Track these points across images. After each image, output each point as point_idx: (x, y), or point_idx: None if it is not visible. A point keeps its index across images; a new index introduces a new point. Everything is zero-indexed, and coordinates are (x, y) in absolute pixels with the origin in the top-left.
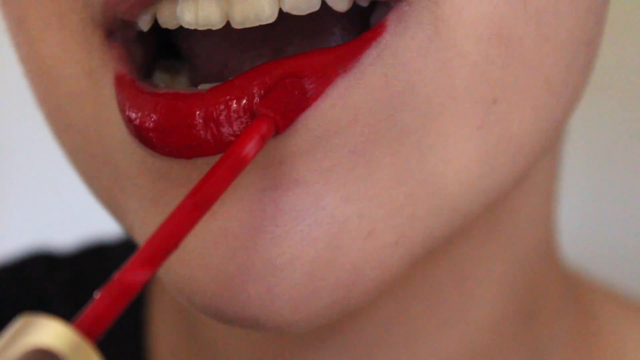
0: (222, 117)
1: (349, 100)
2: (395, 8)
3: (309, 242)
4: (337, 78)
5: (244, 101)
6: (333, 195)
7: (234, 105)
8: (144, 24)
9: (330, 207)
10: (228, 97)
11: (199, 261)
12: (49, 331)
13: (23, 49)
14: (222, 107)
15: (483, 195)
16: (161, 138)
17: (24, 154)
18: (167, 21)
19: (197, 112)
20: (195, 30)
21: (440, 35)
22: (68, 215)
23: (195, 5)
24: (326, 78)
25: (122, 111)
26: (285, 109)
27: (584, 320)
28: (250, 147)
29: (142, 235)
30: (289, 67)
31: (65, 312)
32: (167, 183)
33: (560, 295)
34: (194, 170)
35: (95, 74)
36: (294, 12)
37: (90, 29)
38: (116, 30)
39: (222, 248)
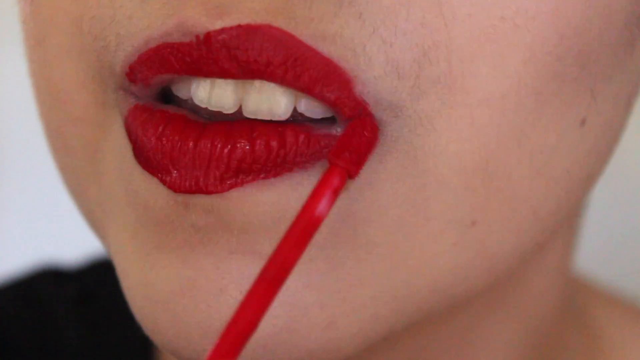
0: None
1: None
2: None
3: (268, 318)
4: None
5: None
6: (295, 279)
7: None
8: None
9: (292, 289)
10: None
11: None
12: None
13: (35, 65)
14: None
15: (452, 298)
16: (163, 162)
17: (23, 167)
18: (181, 93)
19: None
20: None
21: (417, 163)
22: (69, 230)
23: (210, 86)
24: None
25: (128, 130)
26: (358, 154)
27: (591, 344)
28: (323, 205)
29: (120, 264)
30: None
31: (74, 328)
32: (153, 218)
33: (571, 328)
34: (192, 212)
35: (109, 106)
36: (308, 115)
37: (107, 72)
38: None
39: (186, 299)
